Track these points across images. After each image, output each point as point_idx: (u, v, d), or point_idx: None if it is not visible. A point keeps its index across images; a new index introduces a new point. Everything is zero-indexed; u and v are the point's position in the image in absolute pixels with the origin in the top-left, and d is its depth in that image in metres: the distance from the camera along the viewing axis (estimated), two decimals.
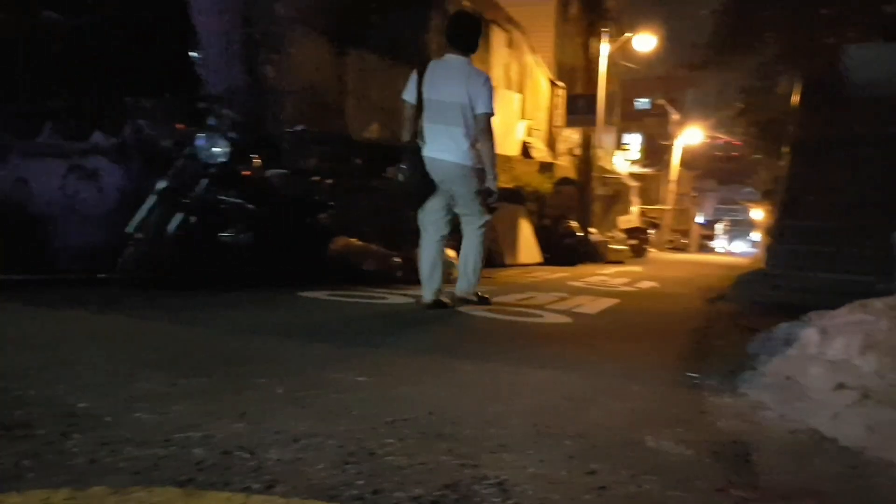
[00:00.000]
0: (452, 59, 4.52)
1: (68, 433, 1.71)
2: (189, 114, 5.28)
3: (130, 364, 2.47)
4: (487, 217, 4.60)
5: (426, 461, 1.69)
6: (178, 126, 5.21)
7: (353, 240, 6.14)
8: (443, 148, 4.43)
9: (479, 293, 4.82)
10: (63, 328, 3.19)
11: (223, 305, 4.20)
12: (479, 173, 4.48)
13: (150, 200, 4.64)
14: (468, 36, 4.59)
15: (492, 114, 4.44)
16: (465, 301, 4.67)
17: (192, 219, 4.69)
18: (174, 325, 3.43)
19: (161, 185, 4.65)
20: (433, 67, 4.50)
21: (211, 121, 4.90)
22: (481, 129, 4.42)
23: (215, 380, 2.31)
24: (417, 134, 4.51)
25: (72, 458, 1.57)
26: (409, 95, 4.50)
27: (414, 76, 4.52)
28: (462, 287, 4.72)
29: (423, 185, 4.48)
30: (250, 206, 4.89)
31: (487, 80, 4.49)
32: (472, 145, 4.43)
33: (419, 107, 4.47)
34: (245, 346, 2.98)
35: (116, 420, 1.83)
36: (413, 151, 4.47)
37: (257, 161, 5.13)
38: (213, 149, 4.75)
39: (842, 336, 2.38)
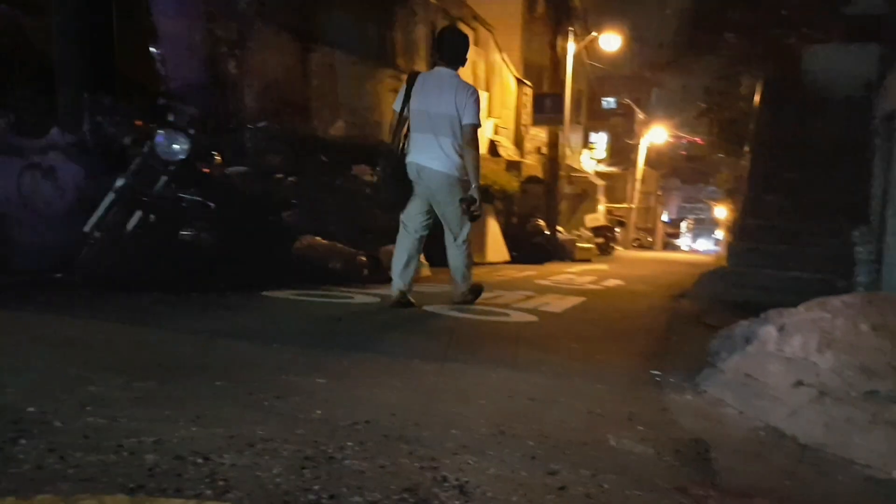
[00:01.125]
0: (441, 71, 4.69)
1: (15, 439, 1.65)
2: (149, 110, 5.18)
3: (84, 367, 2.40)
4: (468, 226, 4.72)
5: (386, 464, 1.67)
6: (137, 123, 5.10)
7: (318, 238, 6.07)
8: (431, 157, 4.56)
9: (471, 285, 4.91)
10: (15, 329, 3.09)
11: (182, 306, 4.12)
12: (465, 184, 4.63)
13: (109, 198, 4.54)
14: (457, 50, 4.78)
15: (478, 125, 4.64)
16: (465, 302, 4.84)
17: (152, 217, 4.59)
18: (131, 326, 3.35)
19: (119, 182, 4.55)
20: (423, 79, 4.66)
21: (170, 117, 4.80)
22: (467, 140, 4.58)
23: (171, 383, 2.26)
24: (404, 142, 4.65)
25: (18, 464, 1.51)
26: (398, 105, 4.67)
27: (404, 87, 4.68)
28: (457, 297, 4.85)
29: (399, 188, 4.59)
30: (211, 203, 4.80)
31: (475, 92, 4.68)
32: (460, 156, 4.59)
33: (406, 116, 4.62)
34: (204, 348, 2.92)
35: (67, 425, 1.78)
36: (388, 154, 4.57)
37: (218, 158, 5.04)
38: (173, 146, 4.66)
39: (800, 334, 2.41)
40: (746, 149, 9.53)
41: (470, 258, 4.88)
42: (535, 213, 13.81)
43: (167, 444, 1.67)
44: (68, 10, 6.75)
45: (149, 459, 1.57)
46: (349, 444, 1.79)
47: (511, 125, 16.48)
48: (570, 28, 16.07)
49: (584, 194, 22.69)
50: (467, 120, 4.55)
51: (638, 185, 31.28)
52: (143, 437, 1.70)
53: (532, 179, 15.48)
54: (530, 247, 12.38)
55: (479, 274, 6.63)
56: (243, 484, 1.47)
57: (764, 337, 2.44)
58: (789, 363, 2.21)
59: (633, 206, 30.84)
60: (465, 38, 4.96)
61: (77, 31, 6.53)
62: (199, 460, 1.59)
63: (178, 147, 4.65)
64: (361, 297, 4.98)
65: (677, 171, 37.40)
